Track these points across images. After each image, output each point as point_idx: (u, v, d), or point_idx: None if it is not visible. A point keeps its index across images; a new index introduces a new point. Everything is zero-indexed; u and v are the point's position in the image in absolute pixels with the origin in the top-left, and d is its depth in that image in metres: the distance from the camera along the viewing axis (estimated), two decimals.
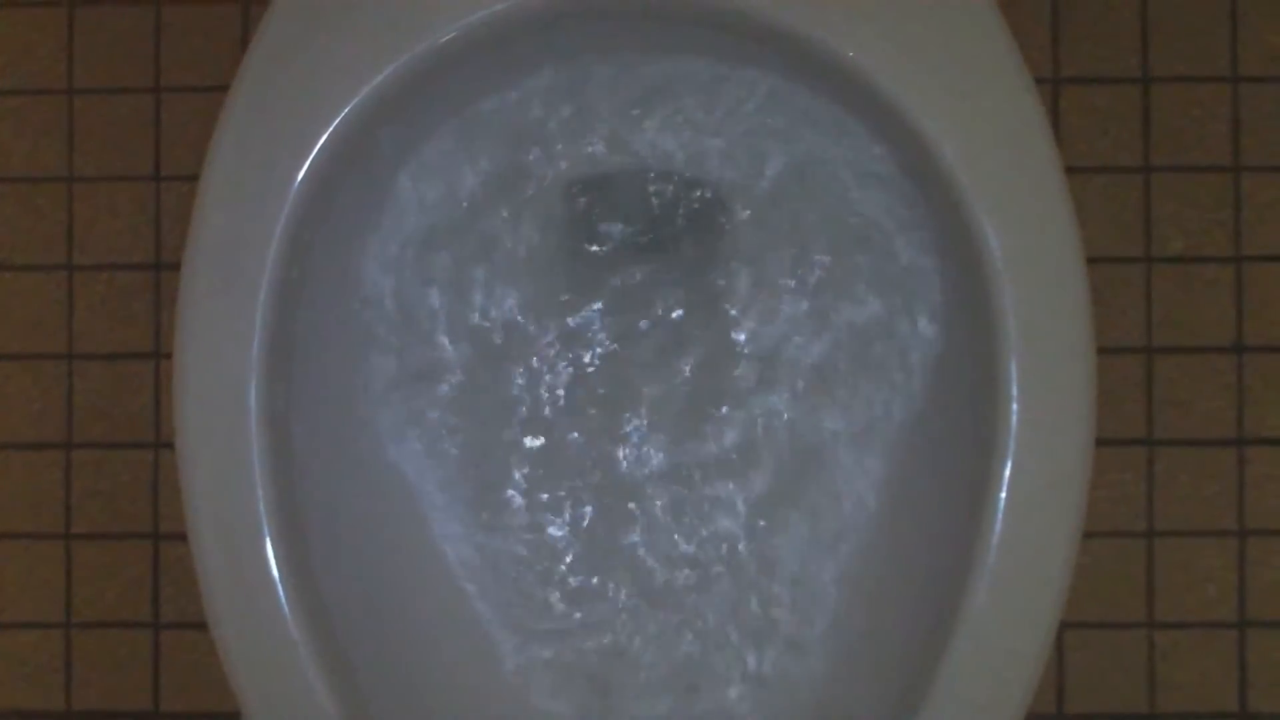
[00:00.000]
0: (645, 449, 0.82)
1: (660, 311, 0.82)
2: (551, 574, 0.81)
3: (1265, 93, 0.95)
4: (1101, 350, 0.66)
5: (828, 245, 0.80)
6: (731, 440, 0.81)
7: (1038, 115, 0.66)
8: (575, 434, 0.82)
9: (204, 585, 0.67)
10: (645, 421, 0.82)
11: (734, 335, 0.81)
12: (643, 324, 0.82)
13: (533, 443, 0.81)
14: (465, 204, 0.80)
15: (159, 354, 0.97)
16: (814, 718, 0.77)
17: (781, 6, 0.67)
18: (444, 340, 0.80)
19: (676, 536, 0.81)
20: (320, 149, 0.67)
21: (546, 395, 0.82)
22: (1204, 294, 0.95)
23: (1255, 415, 0.94)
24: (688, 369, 0.82)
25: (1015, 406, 0.64)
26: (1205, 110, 0.95)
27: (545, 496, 0.81)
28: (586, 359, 0.82)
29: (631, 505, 0.82)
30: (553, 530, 0.81)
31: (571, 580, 0.81)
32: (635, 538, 0.81)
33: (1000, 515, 0.64)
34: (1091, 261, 0.66)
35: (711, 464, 0.81)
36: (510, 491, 0.81)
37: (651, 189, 0.83)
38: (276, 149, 0.68)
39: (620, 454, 0.82)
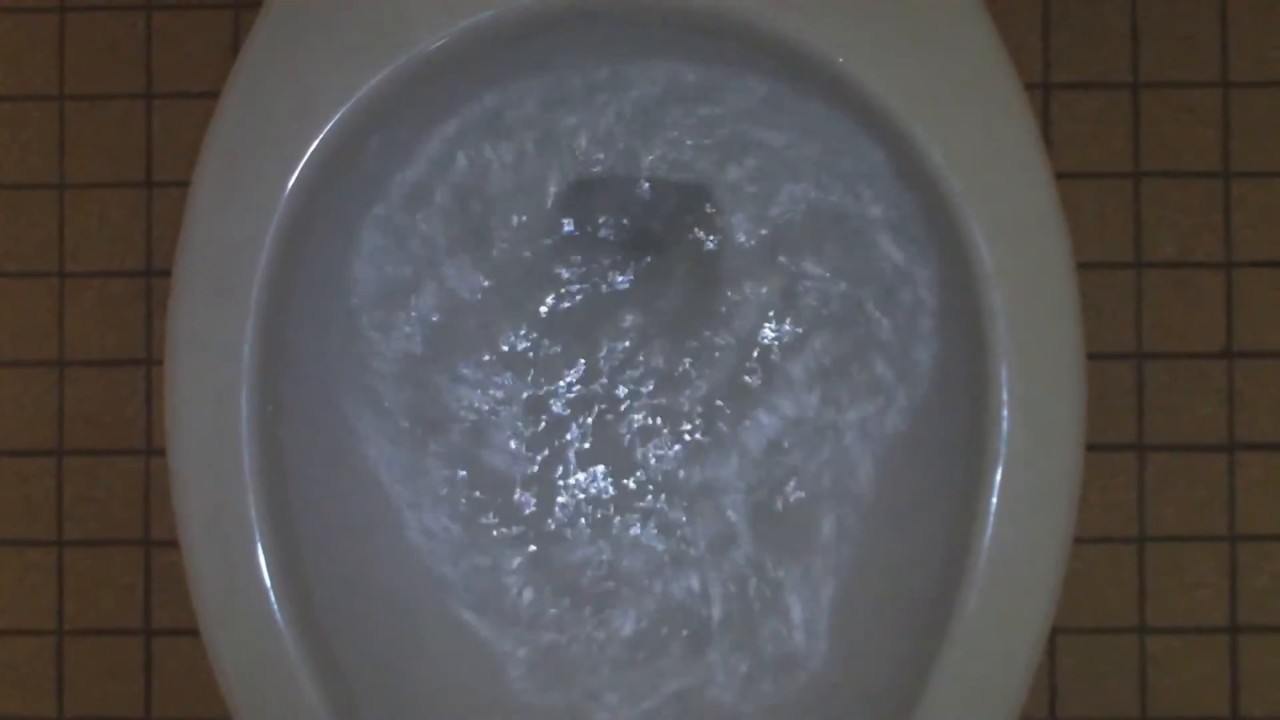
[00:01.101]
0: (638, 455, 0.82)
1: (652, 318, 0.82)
2: (548, 579, 0.81)
3: (1255, 98, 0.95)
4: (1092, 355, 0.66)
5: (817, 250, 0.80)
6: (721, 445, 0.81)
7: (1028, 120, 0.66)
8: (571, 438, 0.82)
9: (195, 592, 0.66)
10: (641, 429, 0.82)
11: (724, 340, 0.81)
12: (635, 330, 0.82)
13: (527, 447, 0.82)
14: (456, 211, 0.80)
15: (150, 361, 0.97)
16: None
17: (772, 12, 0.67)
18: (437, 346, 0.80)
19: (672, 542, 0.81)
20: (311, 155, 0.67)
21: (540, 400, 0.82)
22: (1195, 299, 0.95)
23: (1246, 420, 0.94)
24: (680, 374, 0.82)
25: (1005, 411, 0.65)
26: (1195, 115, 0.95)
27: (540, 500, 0.81)
28: (582, 364, 0.82)
29: (626, 514, 0.82)
30: (549, 534, 0.81)
31: (569, 583, 0.81)
32: (629, 544, 0.81)
33: (991, 520, 0.64)
34: (1082, 267, 0.66)
35: (703, 467, 0.81)
36: (505, 496, 0.81)
37: (641, 194, 0.83)
38: (267, 155, 0.68)
39: (614, 462, 0.82)
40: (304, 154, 0.67)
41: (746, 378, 0.81)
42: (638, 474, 0.82)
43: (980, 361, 0.65)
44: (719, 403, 0.81)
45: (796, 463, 0.80)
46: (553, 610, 0.80)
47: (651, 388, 0.82)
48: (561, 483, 0.82)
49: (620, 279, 0.83)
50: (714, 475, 0.81)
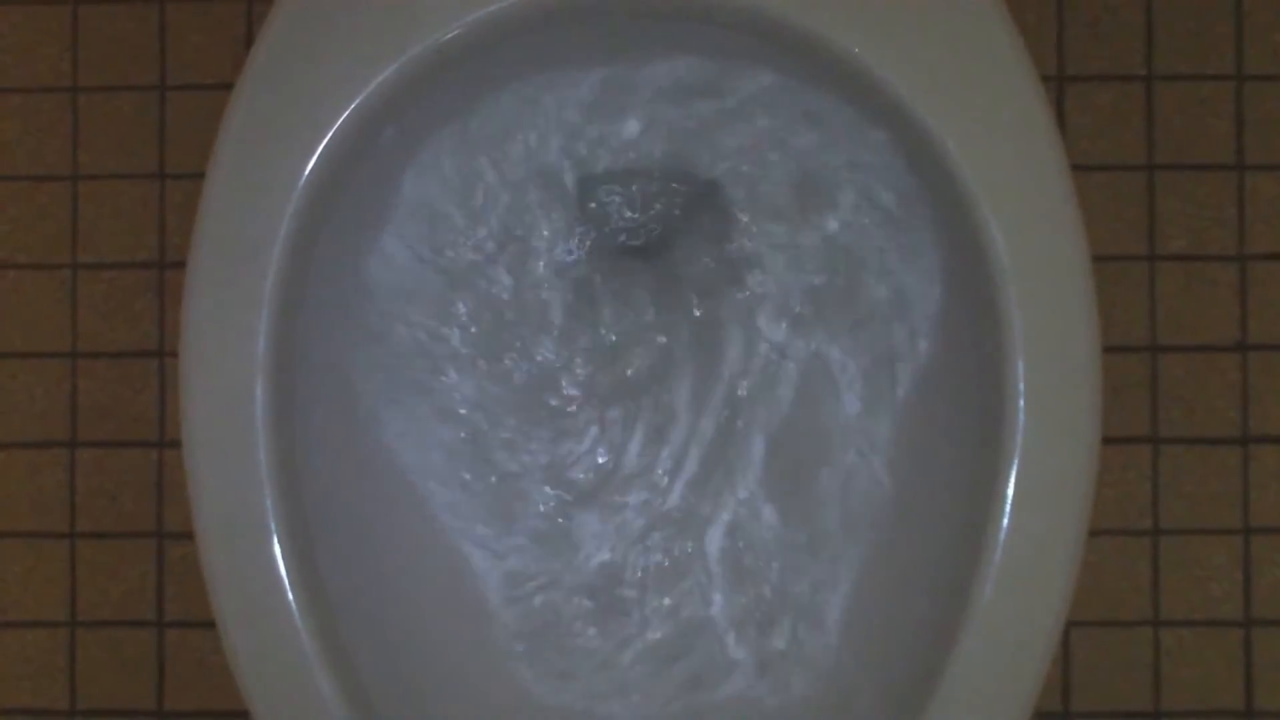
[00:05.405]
0: (654, 453, 0.82)
1: (664, 312, 0.82)
2: (556, 568, 0.81)
3: (1269, 91, 0.95)
4: (1106, 348, 0.66)
5: (831, 242, 0.80)
6: (736, 434, 0.81)
7: (1043, 112, 0.66)
8: (582, 431, 0.82)
9: (210, 584, 0.66)
10: (653, 425, 0.82)
11: (737, 327, 0.81)
12: (648, 326, 0.82)
13: (542, 438, 0.82)
14: (469, 202, 0.80)
15: (163, 352, 0.97)
16: (821, 713, 0.77)
17: (786, 3, 0.67)
18: (449, 336, 0.80)
19: (689, 545, 0.81)
20: (325, 147, 0.67)
21: (554, 391, 0.82)
22: (1208, 292, 0.95)
23: (1259, 413, 0.94)
24: (693, 370, 0.82)
25: (1022, 404, 0.64)
26: (1209, 108, 0.95)
27: (553, 491, 0.81)
28: (595, 358, 0.82)
29: (634, 509, 0.82)
30: (558, 525, 0.81)
31: (574, 577, 0.81)
32: (639, 541, 0.82)
33: (1007, 513, 0.64)
34: (1095, 259, 0.66)
35: (715, 460, 0.81)
36: (519, 489, 0.81)
37: (654, 187, 0.83)
38: (281, 147, 0.68)
39: (630, 465, 0.82)
40: (318, 146, 0.67)
41: (756, 363, 0.81)
42: (649, 468, 0.82)
43: (996, 354, 0.65)
44: (726, 389, 0.81)
45: (808, 457, 0.80)
46: (568, 610, 0.81)
47: (664, 380, 0.82)
48: (580, 470, 0.82)
49: (629, 272, 0.83)
50: (721, 468, 0.81)
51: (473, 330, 0.81)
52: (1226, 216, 0.95)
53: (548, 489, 0.81)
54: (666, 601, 0.81)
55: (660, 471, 0.82)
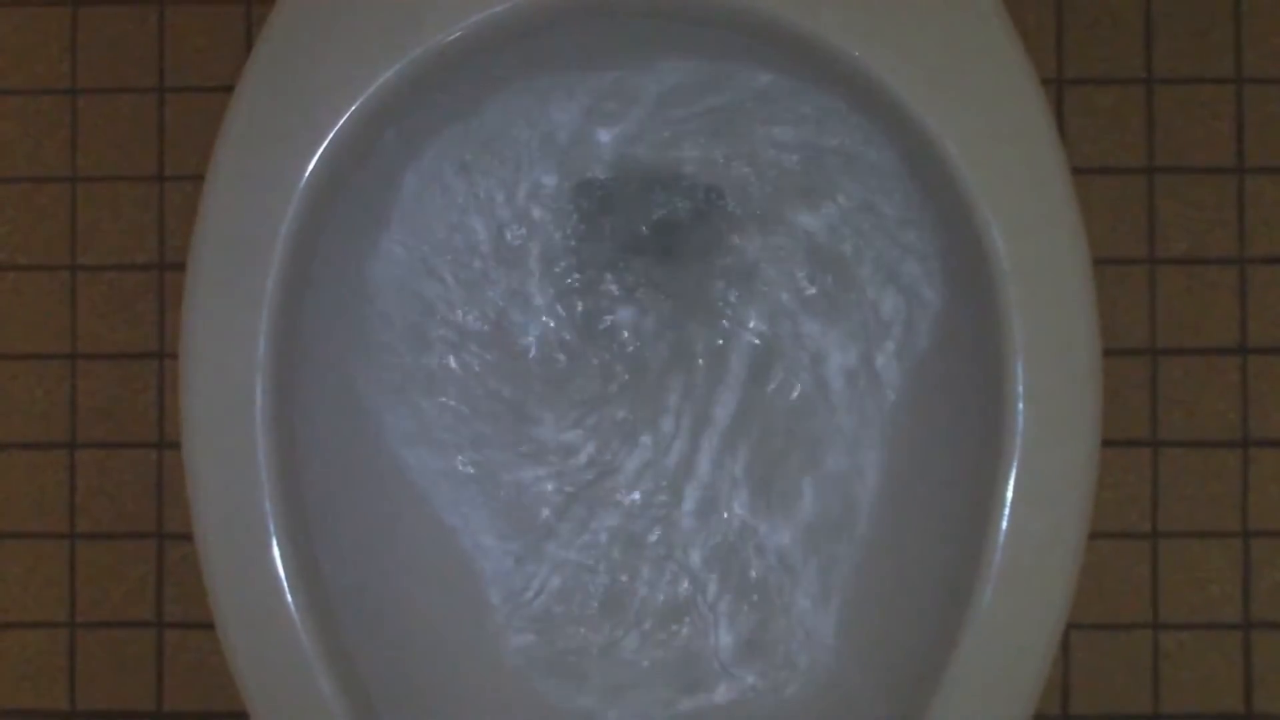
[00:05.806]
0: (656, 453, 0.82)
1: (662, 316, 0.82)
2: (557, 568, 0.81)
3: (1269, 94, 0.95)
4: (1106, 351, 0.66)
5: (831, 244, 0.80)
6: (735, 433, 0.81)
7: (1044, 115, 0.66)
8: (583, 430, 0.82)
9: (210, 585, 0.66)
10: (654, 425, 0.82)
11: (737, 326, 0.81)
12: (648, 325, 0.82)
13: (543, 437, 0.82)
14: (471, 204, 0.80)
15: (163, 354, 0.97)
16: (821, 713, 0.77)
17: (787, 4, 0.67)
18: (451, 339, 0.80)
19: (687, 545, 0.81)
20: (326, 148, 0.67)
21: (555, 390, 0.82)
22: (1208, 295, 0.95)
23: (1259, 416, 0.94)
24: (694, 373, 0.82)
25: (1021, 406, 0.64)
26: (1209, 111, 0.95)
27: (555, 492, 0.81)
28: (595, 358, 0.82)
29: (636, 508, 0.82)
30: (559, 525, 0.81)
31: (575, 577, 0.81)
32: (649, 540, 0.82)
33: (1007, 516, 0.64)
34: (1095, 262, 0.66)
35: (716, 460, 0.81)
36: (519, 489, 0.81)
37: (654, 188, 0.83)
38: (282, 148, 0.68)
39: (628, 464, 0.82)
40: (319, 147, 0.67)
41: (754, 365, 0.81)
42: (651, 467, 0.82)
43: (996, 356, 0.65)
44: (726, 393, 0.82)
45: (808, 457, 0.80)
46: (569, 610, 0.81)
47: (664, 379, 0.82)
48: (583, 470, 0.82)
49: (629, 274, 0.83)
50: (722, 467, 0.81)
51: (473, 331, 0.81)
52: (1227, 219, 0.95)
53: (549, 489, 0.81)
54: (668, 602, 0.81)
55: (662, 472, 0.82)
